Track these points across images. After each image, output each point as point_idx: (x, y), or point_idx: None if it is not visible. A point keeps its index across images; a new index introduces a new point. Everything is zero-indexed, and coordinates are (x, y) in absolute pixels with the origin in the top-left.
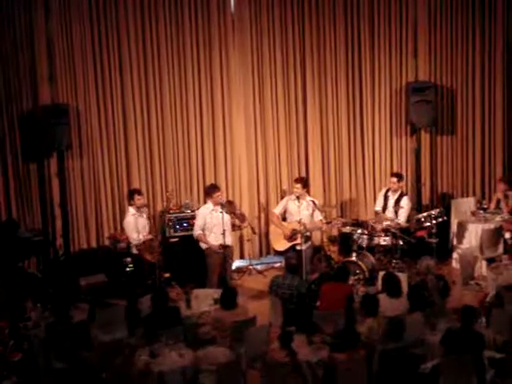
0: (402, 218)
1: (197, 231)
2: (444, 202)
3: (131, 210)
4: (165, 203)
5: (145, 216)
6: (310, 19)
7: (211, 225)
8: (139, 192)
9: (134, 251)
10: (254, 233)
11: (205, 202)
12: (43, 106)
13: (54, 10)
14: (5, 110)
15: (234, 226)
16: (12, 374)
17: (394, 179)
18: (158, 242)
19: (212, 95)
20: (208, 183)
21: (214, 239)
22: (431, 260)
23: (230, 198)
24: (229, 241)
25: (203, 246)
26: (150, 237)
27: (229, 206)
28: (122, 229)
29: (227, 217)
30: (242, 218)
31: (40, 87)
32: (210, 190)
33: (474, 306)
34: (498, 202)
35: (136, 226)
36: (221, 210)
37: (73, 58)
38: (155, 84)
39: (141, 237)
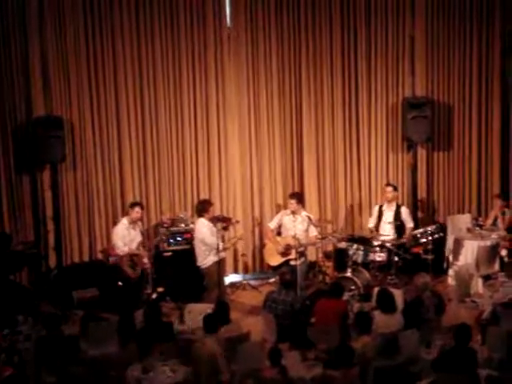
0: (410, 223)
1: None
2: (440, 219)
3: (124, 221)
4: (159, 217)
5: (137, 230)
6: (307, 34)
7: (214, 241)
8: (142, 206)
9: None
10: (237, 222)
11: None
12: (37, 118)
13: (48, 23)
14: None
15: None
16: None
17: (390, 188)
18: (144, 259)
19: (207, 109)
20: (202, 197)
21: (213, 256)
22: (428, 276)
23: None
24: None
25: (203, 264)
26: (136, 252)
27: (214, 219)
28: None
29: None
30: (226, 219)
31: (34, 100)
32: (206, 206)
33: (470, 324)
34: (495, 218)
35: (124, 237)
36: (212, 225)
37: (67, 71)
38: (150, 98)
39: (126, 248)
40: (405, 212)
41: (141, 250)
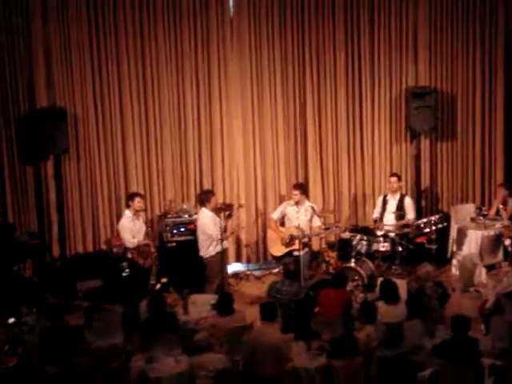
0: (411, 214)
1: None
2: (443, 208)
3: (127, 213)
4: (162, 208)
5: (141, 220)
6: (310, 23)
7: (216, 232)
8: (141, 195)
9: (130, 255)
10: (241, 206)
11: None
12: (40, 109)
13: (51, 15)
14: (1, 113)
15: (231, 215)
16: (5, 380)
17: (394, 178)
18: (152, 248)
19: (210, 98)
20: (206, 188)
21: (216, 246)
22: (430, 266)
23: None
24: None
25: (205, 254)
26: (144, 242)
27: (217, 209)
28: (118, 233)
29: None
30: (228, 206)
31: (37, 91)
32: (208, 196)
33: (468, 315)
34: (498, 208)
35: (131, 229)
36: (215, 215)
37: (70, 62)
38: (153, 88)
39: (135, 241)
40: (408, 203)
41: (148, 240)
